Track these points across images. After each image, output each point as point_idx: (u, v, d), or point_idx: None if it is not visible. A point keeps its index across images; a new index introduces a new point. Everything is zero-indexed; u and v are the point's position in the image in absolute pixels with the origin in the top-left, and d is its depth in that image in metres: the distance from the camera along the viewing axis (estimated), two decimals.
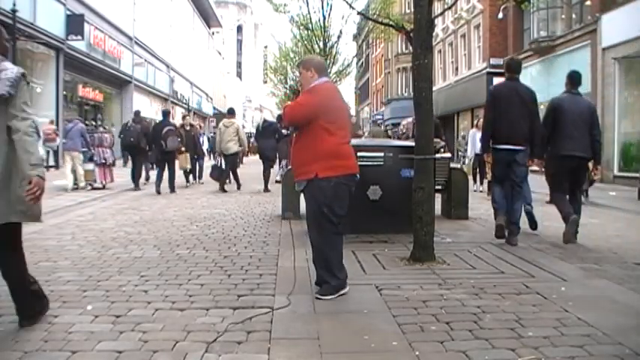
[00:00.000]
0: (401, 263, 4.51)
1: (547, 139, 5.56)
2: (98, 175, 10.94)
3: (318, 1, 22.49)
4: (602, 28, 15.19)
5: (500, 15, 21.42)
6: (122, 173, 12.80)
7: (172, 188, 10.91)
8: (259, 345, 2.75)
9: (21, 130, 2.78)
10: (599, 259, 4.90)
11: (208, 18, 42.91)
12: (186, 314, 3.23)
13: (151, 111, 25.86)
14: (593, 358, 2.62)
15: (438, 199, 7.25)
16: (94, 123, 13.09)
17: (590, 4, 16.31)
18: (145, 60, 25.08)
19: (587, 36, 16.11)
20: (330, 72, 25.04)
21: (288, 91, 30.89)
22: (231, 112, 12.25)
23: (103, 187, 11.00)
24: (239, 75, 65.75)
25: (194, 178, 13.30)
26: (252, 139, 21.22)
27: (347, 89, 53.76)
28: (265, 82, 59.02)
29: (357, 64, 44.11)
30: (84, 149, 10.62)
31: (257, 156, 12.68)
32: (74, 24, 16.98)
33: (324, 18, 22.64)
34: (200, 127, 13.47)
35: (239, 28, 65.70)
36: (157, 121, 12.58)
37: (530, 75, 20.55)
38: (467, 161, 11.03)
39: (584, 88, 16.36)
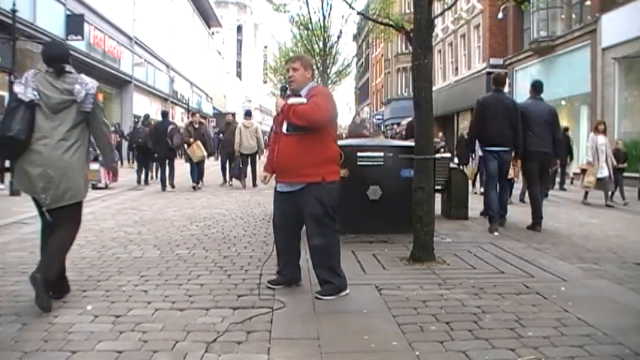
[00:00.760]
0: (401, 263, 4.51)
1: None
2: (103, 174, 11.05)
3: (318, 1, 22.49)
4: (602, 28, 15.19)
5: (500, 15, 21.42)
6: (123, 172, 12.79)
7: (172, 185, 11.68)
8: (259, 345, 2.75)
9: (104, 136, 3.67)
10: (599, 259, 4.91)
11: (208, 18, 42.91)
12: (186, 314, 3.23)
13: (151, 111, 25.80)
14: (593, 358, 2.62)
15: (438, 199, 7.26)
16: None
17: (590, 4, 16.31)
18: (145, 60, 25.08)
19: (587, 36, 16.12)
20: (330, 72, 25.09)
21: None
22: (248, 114, 13.32)
23: (106, 187, 11.10)
24: (239, 75, 65.73)
25: (194, 180, 11.79)
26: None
27: (347, 89, 53.84)
28: (265, 82, 59.04)
29: (356, 64, 44.14)
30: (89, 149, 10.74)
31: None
32: (74, 24, 16.97)
33: (324, 18, 22.64)
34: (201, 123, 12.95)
35: (239, 28, 65.68)
36: (159, 122, 12.75)
37: (530, 75, 20.55)
38: (472, 163, 10.67)
39: (584, 88, 16.52)
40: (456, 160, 14.62)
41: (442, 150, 9.05)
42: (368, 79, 53.40)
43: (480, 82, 23.41)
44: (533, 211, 6.57)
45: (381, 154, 5.83)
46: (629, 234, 6.41)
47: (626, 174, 10.90)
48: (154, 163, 13.30)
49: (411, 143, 5.61)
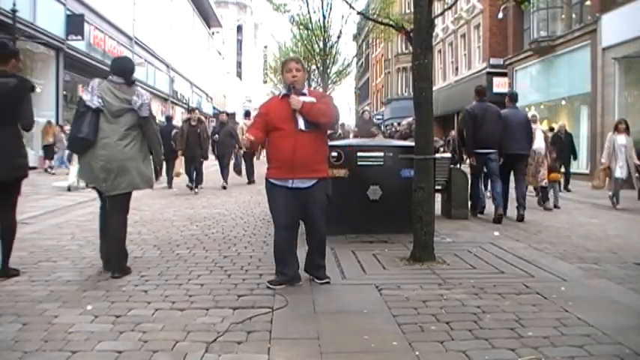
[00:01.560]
0: (401, 263, 4.51)
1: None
2: None
3: (318, 1, 22.57)
4: (602, 28, 15.19)
5: (500, 15, 21.42)
6: None
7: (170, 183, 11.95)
8: (259, 345, 2.76)
9: (155, 139, 4.33)
10: (599, 259, 4.91)
11: (208, 18, 42.89)
12: (186, 314, 3.24)
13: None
14: (593, 358, 2.62)
15: (438, 199, 7.26)
16: None
17: (590, 4, 16.31)
18: (145, 60, 25.05)
19: (587, 36, 16.12)
20: (330, 72, 25.10)
21: None
22: (247, 115, 13.84)
23: None
24: (239, 75, 65.70)
25: (191, 181, 11.25)
26: None
27: (347, 89, 53.81)
28: (265, 82, 59.03)
29: (356, 64, 44.13)
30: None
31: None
32: (74, 24, 16.97)
33: (324, 18, 22.67)
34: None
35: (239, 28, 65.66)
36: (163, 125, 12.72)
37: (530, 75, 20.58)
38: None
39: (584, 88, 16.51)
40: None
41: (441, 149, 8.97)
42: (368, 79, 53.38)
43: (480, 82, 23.22)
44: (496, 203, 7.25)
45: (381, 154, 5.83)
46: (629, 234, 6.41)
47: None
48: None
49: (410, 143, 5.62)
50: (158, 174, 4.66)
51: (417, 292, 3.67)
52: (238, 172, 12.73)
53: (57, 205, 8.25)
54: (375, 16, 18.86)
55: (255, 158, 13.10)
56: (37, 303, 3.43)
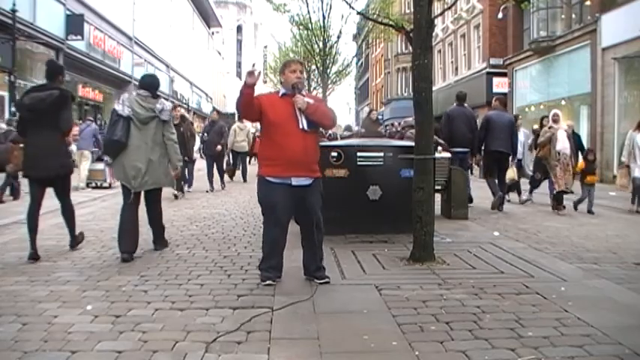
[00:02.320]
0: (401, 263, 4.51)
1: (483, 140, 8.28)
2: (108, 174, 11.15)
3: (318, 1, 22.48)
4: (602, 28, 15.18)
5: (500, 15, 21.40)
6: None
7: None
8: (259, 345, 2.76)
9: (172, 140, 4.96)
10: (599, 259, 4.91)
11: (208, 18, 42.89)
12: (186, 314, 3.24)
13: None
14: (592, 358, 2.62)
15: (438, 199, 7.26)
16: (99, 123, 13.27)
17: (590, 4, 16.30)
18: (145, 60, 25.07)
19: (587, 36, 16.11)
20: (330, 72, 25.06)
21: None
22: (241, 118, 13.82)
23: (109, 186, 11.19)
24: (239, 75, 65.65)
25: (179, 186, 10.00)
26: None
27: (347, 89, 53.77)
28: (265, 82, 58.97)
29: (356, 64, 44.11)
30: (94, 149, 10.91)
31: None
32: (74, 24, 16.97)
33: (324, 18, 22.62)
34: (191, 123, 11.95)
35: (239, 28, 65.65)
36: None
37: (530, 75, 20.57)
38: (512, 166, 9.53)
39: (584, 88, 16.50)
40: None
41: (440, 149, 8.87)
42: (368, 79, 53.36)
43: (480, 82, 23.42)
44: (493, 194, 8.17)
45: (381, 154, 5.83)
46: (629, 234, 6.41)
47: None
48: None
49: (410, 143, 5.62)
50: (178, 172, 5.19)
51: (417, 292, 3.67)
52: (230, 174, 12.68)
53: (57, 205, 8.22)
54: (375, 16, 18.84)
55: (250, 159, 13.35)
56: (37, 303, 3.43)
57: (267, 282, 3.80)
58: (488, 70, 22.93)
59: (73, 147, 13.27)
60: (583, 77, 16.46)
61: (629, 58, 14.37)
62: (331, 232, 5.42)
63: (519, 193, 9.41)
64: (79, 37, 17.13)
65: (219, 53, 51.28)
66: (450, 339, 2.83)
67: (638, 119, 14.06)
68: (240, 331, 2.93)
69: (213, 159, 11.53)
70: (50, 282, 3.94)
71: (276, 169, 3.78)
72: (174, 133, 5.07)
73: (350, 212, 5.66)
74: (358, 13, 16.15)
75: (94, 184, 11.31)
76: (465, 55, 26.15)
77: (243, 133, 13.07)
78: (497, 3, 20.57)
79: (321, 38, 23.00)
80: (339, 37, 23.98)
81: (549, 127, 8.47)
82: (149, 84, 5.02)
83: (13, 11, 10.67)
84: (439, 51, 28.62)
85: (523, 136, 10.30)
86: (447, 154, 7.46)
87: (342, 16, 25.50)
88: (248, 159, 15.10)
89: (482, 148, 8.36)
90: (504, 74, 22.04)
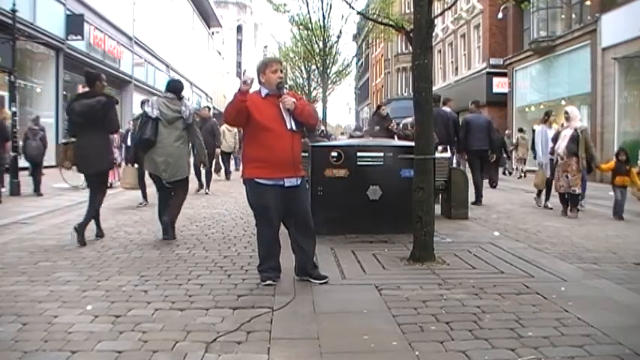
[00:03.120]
0: (401, 263, 4.51)
1: (465, 139, 9.19)
2: (110, 174, 11.12)
3: (318, 1, 22.50)
4: (602, 28, 15.19)
5: (500, 15, 21.40)
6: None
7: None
8: (259, 345, 2.75)
9: (198, 139, 5.89)
10: (599, 259, 4.91)
11: (208, 18, 42.88)
12: (186, 314, 3.23)
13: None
14: (592, 358, 2.62)
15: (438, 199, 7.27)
16: None
17: (590, 4, 16.30)
18: (145, 60, 25.07)
19: (587, 36, 16.11)
20: (330, 72, 25.07)
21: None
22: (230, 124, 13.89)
23: (110, 186, 11.16)
24: (239, 75, 65.67)
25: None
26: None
27: (347, 89, 53.78)
28: None
29: (356, 64, 44.10)
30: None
31: None
32: (74, 24, 16.97)
33: (324, 18, 22.65)
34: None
35: (239, 28, 65.67)
36: None
37: (530, 75, 20.57)
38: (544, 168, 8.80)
39: (584, 88, 16.51)
40: None
41: (440, 148, 8.81)
42: (368, 79, 53.35)
43: (480, 82, 23.42)
44: (475, 192, 8.75)
45: (381, 154, 5.84)
46: (629, 234, 6.41)
47: None
48: None
49: (410, 143, 5.62)
50: (206, 164, 6.15)
51: (417, 292, 3.67)
52: (217, 170, 12.56)
53: (57, 205, 8.25)
54: (375, 16, 18.84)
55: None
56: (37, 303, 3.43)
57: (268, 282, 3.80)
58: (488, 70, 22.94)
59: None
60: (583, 77, 16.46)
61: (629, 58, 14.38)
62: (331, 232, 5.44)
63: (547, 199, 8.78)
64: (79, 37, 17.13)
65: (219, 53, 51.28)
66: (450, 339, 2.83)
67: (638, 119, 14.12)
68: (240, 331, 2.93)
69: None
70: (50, 282, 3.94)
71: (266, 171, 3.76)
72: (199, 132, 5.95)
73: (350, 212, 5.66)
74: (358, 13, 16.19)
75: (82, 185, 11.19)
76: (465, 55, 26.15)
77: (231, 134, 13.62)
78: (497, 3, 20.58)
79: (321, 38, 23.02)
80: (339, 37, 24.04)
81: (561, 125, 8.38)
82: (175, 88, 5.78)
83: (13, 11, 10.64)
84: (439, 51, 28.62)
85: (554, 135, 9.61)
86: (448, 154, 7.45)
87: (342, 16, 25.55)
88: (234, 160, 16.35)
89: (466, 146, 9.35)
90: (504, 74, 22.04)
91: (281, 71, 3.89)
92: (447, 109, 9.45)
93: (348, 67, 28.25)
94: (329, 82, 25.69)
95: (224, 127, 13.13)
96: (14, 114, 10.44)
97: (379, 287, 3.75)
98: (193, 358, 2.60)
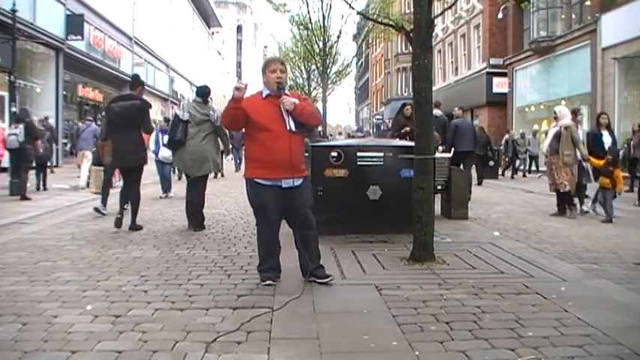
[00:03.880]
0: (401, 263, 4.51)
1: (452, 142, 9.97)
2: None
3: (318, 1, 22.50)
4: (602, 28, 15.19)
5: (500, 15, 21.41)
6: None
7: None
8: (259, 345, 2.75)
9: (225, 136, 6.66)
10: (599, 259, 4.91)
11: (208, 18, 42.91)
12: (186, 314, 3.23)
13: (151, 111, 25.86)
14: (592, 358, 2.62)
15: (438, 199, 7.26)
16: (99, 123, 13.22)
17: (590, 4, 16.31)
18: (145, 60, 25.07)
19: (587, 36, 16.12)
20: (330, 72, 25.08)
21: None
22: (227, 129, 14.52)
23: (111, 186, 11.18)
24: (239, 75, 65.70)
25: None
26: None
27: (347, 89, 53.79)
28: None
29: (356, 64, 44.12)
30: (95, 149, 10.92)
31: None
32: (74, 24, 16.98)
33: (324, 18, 22.65)
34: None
35: (239, 28, 65.73)
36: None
37: (530, 75, 20.57)
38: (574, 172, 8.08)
39: (584, 88, 16.51)
40: None
41: (441, 149, 8.80)
42: (368, 79, 53.37)
43: (480, 82, 23.43)
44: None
45: (381, 154, 5.83)
46: (629, 234, 6.41)
47: (626, 174, 10.75)
48: None
49: (410, 143, 5.62)
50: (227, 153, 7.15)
51: (417, 292, 3.67)
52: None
53: (57, 205, 8.25)
54: (375, 16, 18.85)
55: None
56: (37, 303, 3.42)
57: (268, 282, 3.80)
58: (488, 70, 22.94)
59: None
60: (583, 77, 16.47)
61: (629, 58, 14.38)
62: (331, 232, 5.44)
63: (581, 202, 8.11)
64: (79, 37, 17.14)
65: (219, 53, 51.30)
66: (450, 339, 2.83)
67: (638, 119, 14.11)
68: (240, 331, 2.93)
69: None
70: (50, 282, 3.94)
71: (264, 171, 3.77)
72: (226, 132, 6.70)
73: (350, 212, 5.66)
74: (358, 13, 16.18)
75: (83, 185, 11.01)
76: (465, 55, 26.15)
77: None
78: (497, 3, 20.59)
79: (321, 38, 23.02)
80: (339, 37, 24.04)
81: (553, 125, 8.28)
82: (201, 93, 6.43)
83: (13, 11, 10.65)
84: (439, 51, 28.63)
85: (582, 135, 8.83)
86: (448, 155, 7.44)
87: (342, 16, 25.55)
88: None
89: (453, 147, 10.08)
90: (504, 74, 22.05)
91: (281, 71, 3.84)
92: (437, 112, 9.61)
93: (348, 67, 28.27)
94: (329, 82, 25.69)
95: None
96: (14, 114, 10.45)
97: (379, 287, 3.75)
98: (193, 358, 2.60)
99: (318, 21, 22.78)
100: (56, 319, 3.13)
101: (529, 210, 8.62)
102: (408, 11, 28.77)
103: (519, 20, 21.04)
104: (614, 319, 3.12)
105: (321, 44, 23.15)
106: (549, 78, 18.96)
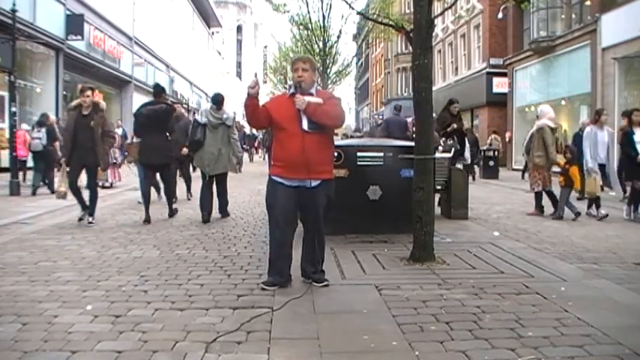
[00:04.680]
0: (401, 263, 4.51)
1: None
2: (109, 174, 11.22)
3: (318, 1, 22.49)
4: (602, 28, 15.18)
5: (500, 15, 21.39)
6: (123, 173, 12.77)
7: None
8: (259, 345, 2.76)
9: (234, 139, 7.16)
10: (599, 259, 4.91)
11: (208, 18, 42.87)
12: (185, 314, 3.23)
13: None
14: (592, 358, 2.62)
15: (438, 199, 7.26)
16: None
17: (590, 4, 16.30)
18: (145, 60, 25.05)
19: (587, 36, 16.11)
20: (330, 72, 25.07)
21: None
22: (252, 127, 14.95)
23: (111, 186, 11.25)
24: (239, 75, 65.71)
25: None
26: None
27: (347, 89, 53.77)
28: (265, 82, 59.00)
29: (356, 64, 44.12)
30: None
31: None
32: (74, 24, 16.96)
33: (324, 18, 22.64)
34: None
35: (239, 28, 65.72)
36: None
37: (530, 75, 20.56)
38: (590, 174, 7.80)
39: (584, 88, 16.51)
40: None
41: (440, 148, 8.59)
42: (368, 79, 53.37)
43: (480, 82, 23.42)
44: None
45: (381, 154, 5.83)
46: (629, 234, 6.41)
47: None
48: None
49: (410, 143, 5.62)
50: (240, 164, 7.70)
51: (417, 292, 3.67)
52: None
53: (57, 205, 8.23)
54: (375, 16, 18.84)
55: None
56: (37, 303, 3.43)
57: (265, 287, 3.71)
58: (488, 70, 22.92)
59: None
60: (583, 77, 16.46)
61: (629, 58, 14.37)
62: (331, 232, 5.41)
63: (598, 207, 7.68)
64: (79, 37, 17.11)
65: (219, 53, 51.27)
66: (450, 339, 2.83)
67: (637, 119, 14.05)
68: (240, 331, 2.93)
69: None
70: (50, 282, 3.94)
71: (280, 170, 3.77)
72: (236, 134, 7.25)
73: (350, 212, 5.65)
74: (358, 13, 16.14)
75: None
76: (464, 55, 26.14)
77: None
78: (497, 3, 20.57)
79: (321, 38, 23.01)
80: (339, 37, 24.01)
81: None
82: (215, 100, 7.19)
83: (13, 11, 10.63)
84: (439, 51, 28.62)
85: (607, 136, 8.20)
86: (448, 155, 7.43)
87: (342, 16, 25.51)
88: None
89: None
90: (504, 74, 22.03)
91: (303, 70, 3.77)
92: (408, 119, 10.43)
93: (348, 67, 28.28)
94: (329, 82, 25.69)
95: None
96: (14, 114, 10.44)
97: (379, 287, 3.75)
98: (193, 358, 2.60)
99: (318, 21, 22.78)
100: (56, 319, 3.13)
101: (529, 210, 8.62)
102: (408, 11, 28.78)
103: (519, 20, 21.02)
104: (614, 319, 3.12)
105: (321, 44, 23.13)
106: (549, 78, 18.95)
